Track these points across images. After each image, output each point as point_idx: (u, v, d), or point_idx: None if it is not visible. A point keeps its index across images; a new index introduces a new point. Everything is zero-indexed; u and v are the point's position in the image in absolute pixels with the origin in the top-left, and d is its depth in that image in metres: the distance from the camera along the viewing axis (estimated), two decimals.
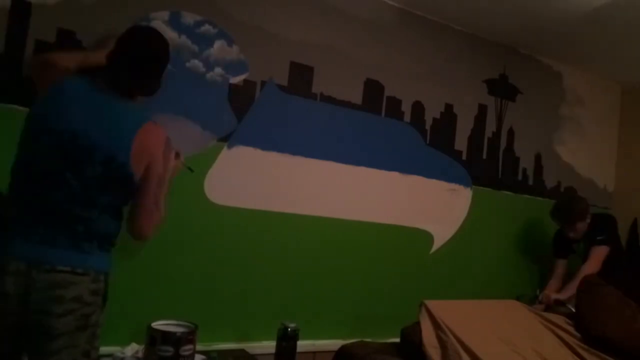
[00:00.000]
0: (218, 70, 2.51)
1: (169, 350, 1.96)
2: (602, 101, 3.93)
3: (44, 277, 1.55)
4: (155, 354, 1.97)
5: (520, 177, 3.59)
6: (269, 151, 2.63)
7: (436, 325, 2.33)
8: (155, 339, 1.98)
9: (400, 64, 3.05)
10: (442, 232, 3.23)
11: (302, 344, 2.46)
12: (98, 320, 1.66)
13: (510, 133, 3.54)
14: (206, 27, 2.47)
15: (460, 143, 3.31)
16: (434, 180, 3.17)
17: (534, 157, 3.65)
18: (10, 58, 2.07)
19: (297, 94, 2.72)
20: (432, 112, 3.18)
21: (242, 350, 2.49)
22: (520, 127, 3.57)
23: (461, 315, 2.41)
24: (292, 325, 2.38)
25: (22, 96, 2.03)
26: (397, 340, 2.47)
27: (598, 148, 3.69)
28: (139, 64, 1.75)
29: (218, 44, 2.51)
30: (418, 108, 3.13)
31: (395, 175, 3.03)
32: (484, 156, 3.42)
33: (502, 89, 3.49)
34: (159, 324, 2.04)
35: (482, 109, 3.41)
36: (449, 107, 3.26)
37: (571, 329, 2.61)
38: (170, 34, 2.37)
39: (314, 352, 2.71)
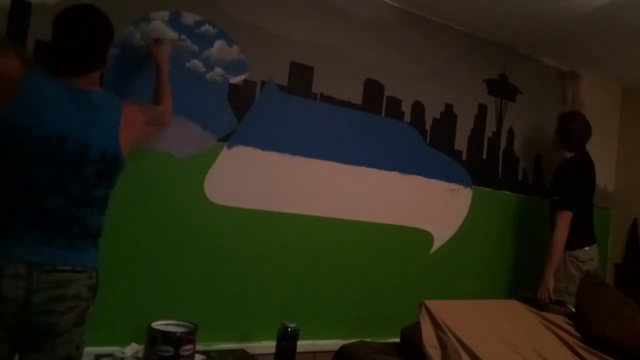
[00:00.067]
0: (218, 70, 2.51)
1: (169, 350, 1.96)
2: (602, 101, 3.93)
3: (46, 277, 1.55)
4: (155, 354, 1.97)
5: (520, 177, 3.59)
6: (269, 151, 2.63)
7: (436, 325, 2.33)
8: (155, 339, 1.97)
9: (400, 64, 3.05)
10: (442, 232, 3.23)
11: (302, 344, 2.46)
12: (89, 315, 1.68)
13: (510, 133, 3.54)
14: (206, 27, 2.47)
15: (460, 143, 3.31)
16: (434, 180, 3.17)
17: (534, 157, 3.65)
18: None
19: (297, 94, 2.72)
20: (432, 112, 3.18)
21: (242, 350, 2.49)
22: (520, 127, 3.57)
23: (461, 315, 2.41)
24: (292, 325, 2.38)
25: None
26: (397, 340, 2.47)
27: (598, 148, 3.68)
28: (85, 37, 1.69)
29: (218, 44, 2.50)
30: (418, 108, 3.13)
31: (395, 175, 3.03)
32: (484, 156, 3.42)
33: (502, 89, 3.49)
34: (159, 324, 2.03)
35: (482, 109, 3.41)
36: (449, 107, 3.26)
37: (571, 329, 2.61)
38: (170, 34, 2.38)
39: (314, 352, 2.71)
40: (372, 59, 2.95)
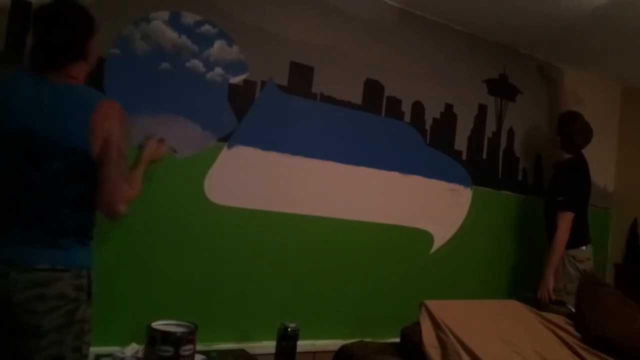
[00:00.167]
0: (218, 70, 2.51)
1: (169, 350, 1.96)
2: (602, 101, 3.93)
3: (24, 277, 1.54)
4: (155, 354, 1.96)
5: (520, 177, 3.59)
6: (269, 151, 2.63)
7: (436, 325, 2.33)
8: (155, 339, 1.97)
9: (400, 64, 3.05)
10: (442, 232, 3.23)
11: (302, 344, 2.46)
12: (85, 316, 1.64)
13: (510, 133, 3.54)
14: (206, 27, 2.47)
15: (460, 143, 3.31)
16: (434, 180, 3.18)
17: (534, 157, 3.65)
18: (10, 58, 2.07)
19: (297, 94, 2.72)
20: (432, 112, 3.18)
21: (242, 350, 2.49)
22: (520, 127, 3.57)
23: (461, 315, 2.41)
24: (292, 325, 2.38)
25: None
26: (397, 340, 2.47)
27: (598, 148, 3.68)
28: (57, 29, 1.66)
29: (218, 44, 2.50)
30: (418, 108, 3.13)
31: (395, 175, 3.03)
32: (484, 156, 3.42)
33: (502, 89, 3.49)
34: (159, 324, 2.03)
35: (482, 109, 3.41)
36: (449, 107, 3.26)
37: (571, 329, 2.61)
38: (170, 34, 2.38)
39: (314, 352, 2.71)
40: (372, 59, 2.95)
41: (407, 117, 3.09)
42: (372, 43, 2.95)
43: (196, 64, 2.45)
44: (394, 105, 3.04)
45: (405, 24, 3.06)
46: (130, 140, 1.99)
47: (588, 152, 3.36)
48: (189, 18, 2.43)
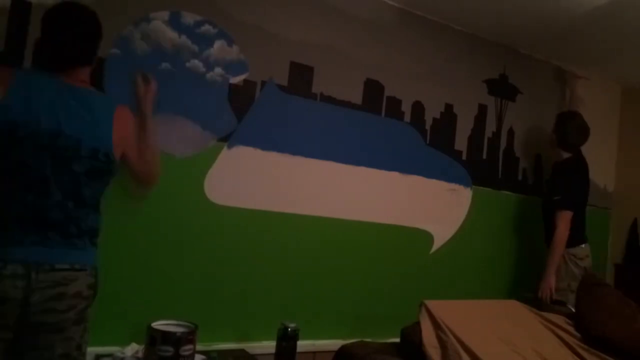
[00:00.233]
0: (218, 70, 2.51)
1: (169, 350, 1.96)
2: (602, 101, 3.93)
3: (44, 277, 1.55)
4: (155, 354, 1.96)
5: (520, 177, 3.59)
6: (269, 151, 2.63)
7: (436, 325, 2.33)
8: (155, 339, 1.97)
9: (400, 64, 3.05)
10: (442, 232, 3.23)
11: (302, 344, 2.46)
12: (89, 315, 1.68)
13: (510, 133, 3.54)
14: (206, 27, 2.47)
15: (460, 143, 3.31)
16: (434, 180, 3.18)
17: (534, 157, 3.65)
18: (10, 58, 2.07)
19: (297, 94, 2.72)
20: (432, 112, 3.18)
21: (242, 350, 2.49)
22: (520, 127, 3.57)
23: (461, 315, 2.41)
24: (292, 325, 2.38)
25: None
26: (397, 340, 2.47)
27: (598, 148, 3.69)
28: (66, 31, 1.69)
29: (218, 44, 2.50)
30: (418, 108, 3.13)
31: (395, 175, 3.03)
32: (484, 156, 3.42)
33: (502, 89, 3.49)
34: (159, 324, 2.03)
35: (482, 109, 3.41)
36: (449, 107, 3.26)
37: (571, 329, 2.61)
38: (170, 34, 2.38)
39: (314, 352, 2.71)
40: (372, 59, 2.95)
41: (407, 117, 3.09)
42: (372, 43, 2.95)
43: (196, 64, 2.45)
44: (394, 105, 3.04)
45: (405, 24, 3.06)
46: None
47: (588, 152, 3.36)
48: (189, 18, 2.43)
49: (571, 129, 3.24)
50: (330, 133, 2.82)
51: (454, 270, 3.25)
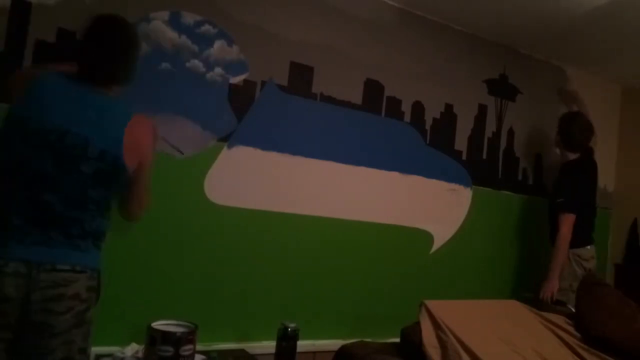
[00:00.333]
0: (218, 70, 2.51)
1: (169, 350, 1.95)
2: (602, 101, 3.93)
3: (45, 276, 1.55)
4: (155, 354, 1.96)
5: (520, 177, 3.59)
6: (269, 151, 2.63)
7: (436, 325, 2.33)
8: (155, 339, 1.97)
9: (400, 64, 3.05)
10: (442, 232, 3.23)
11: (302, 344, 2.46)
12: (91, 318, 1.67)
13: (510, 133, 3.54)
14: (206, 27, 2.47)
15: (460, 143, 3.31)
16: (434, 180, 3.18)
17: (534, 157, 3.65)
18: (10, 58, 2.07)
19: (297, 94, 2.72)
20: (432, 112, 3.18)
21: (242, 350, 2.49)
22: (520, 127, 3.57)
23: (461, 315, 2.41)
24: (292, 325, 2.38)
25: None
26: (397, 340, 2.47)
27: (598, 148, 3.69)
28: (114, 51, 1.72)
29: (218, 44, 2.51)
30: (418, 108, 3.13)
31: (395, 175, 3.03)
32: (484, 156, 3.42)
33: (502, 89, 3.49)
34: (159, 324, 2.03)
35: (482, 109, 3.41)
36: (449, 107, 3.26)
37: (571, 329, 2.61)
38: (170, 34, 2.38)
39: (314, 352, 2.71)
40: (372, 59, 2.95)
41: (407, 117, 3.09)
42: (372, 43, 2.95)
43: (196, 64, 2.45)
44: (394, 105, 3.04)
45: (405, 24, 3.06)
46: None
47: None
48: (189, 18, 2.43)
49: (575, 129, 3.23)
50: (330, 133, 2.82)
51: (454, 270, 3.25)
